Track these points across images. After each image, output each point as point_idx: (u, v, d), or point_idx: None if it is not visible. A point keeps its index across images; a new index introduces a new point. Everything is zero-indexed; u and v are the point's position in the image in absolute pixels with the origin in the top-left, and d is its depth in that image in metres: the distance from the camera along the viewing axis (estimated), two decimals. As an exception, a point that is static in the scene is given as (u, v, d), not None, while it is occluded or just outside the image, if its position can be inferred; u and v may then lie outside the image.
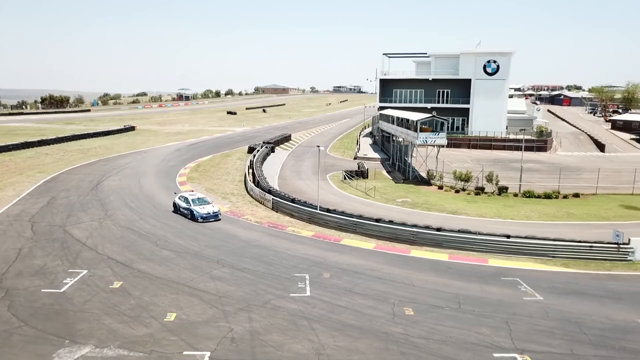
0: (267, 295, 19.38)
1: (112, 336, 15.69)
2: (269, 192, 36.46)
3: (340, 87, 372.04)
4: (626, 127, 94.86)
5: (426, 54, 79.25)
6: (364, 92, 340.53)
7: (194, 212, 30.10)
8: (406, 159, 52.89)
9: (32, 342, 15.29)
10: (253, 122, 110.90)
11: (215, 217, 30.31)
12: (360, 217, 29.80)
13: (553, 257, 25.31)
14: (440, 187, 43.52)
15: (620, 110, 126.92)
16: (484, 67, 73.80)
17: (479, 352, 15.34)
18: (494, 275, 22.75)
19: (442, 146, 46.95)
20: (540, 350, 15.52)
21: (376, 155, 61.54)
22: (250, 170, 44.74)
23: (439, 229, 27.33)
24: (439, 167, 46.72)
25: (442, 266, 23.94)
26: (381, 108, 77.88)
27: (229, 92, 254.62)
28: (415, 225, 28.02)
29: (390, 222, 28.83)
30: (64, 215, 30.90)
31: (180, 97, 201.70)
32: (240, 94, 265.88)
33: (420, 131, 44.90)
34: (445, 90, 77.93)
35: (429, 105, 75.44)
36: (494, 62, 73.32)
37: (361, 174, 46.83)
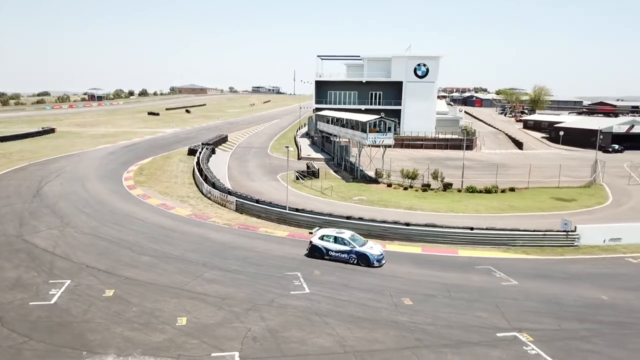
0: (268, 294, 19.66)
1: (131, 344, 15.33)
2: (230, 193, 36.26)
3: (259, 87, 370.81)
4: (536, 126, 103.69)
5: (359, 56, 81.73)
6: (283, 93, 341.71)
7: (368, 255, 23.44)
8: (347, 158, 54.52)
9: (47, 357, 14.59)
10: (181, 123, 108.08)
11: (383, 257, 24.09)
12: (330, 215, 30.64)
13: (513, 245, 27.71)
14: (389, 185, 45.43)
15: (526, 111, 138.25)
16: (415, 70, 77.51)
17: (484, 333, 16.78)
18: (468, 265, 24.57)
19: (390, 146, 49.02)
20: (534, 328, 17.25)
21: (319, 156, 62.67)
22: (203, 173, 44.00)
23: (407, 224, 28.85)
24: (383, 166, 48.61)
25: (419, 259, 25.43)
26: (317, 109, 79.22)
27: (144, 93, 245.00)
28: (384, 221, 29.36)
29: (360, 218, 29.95)
30: (15, 224, 28.94)
31: (92, 97, 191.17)
32: (155, 94, 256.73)
33: (368, 132, 46.57)
34: (378, 92, 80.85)
35: (363, 107, 77.97)
36: (424, 65, 77.26)
37: (312, 173, 47.68)
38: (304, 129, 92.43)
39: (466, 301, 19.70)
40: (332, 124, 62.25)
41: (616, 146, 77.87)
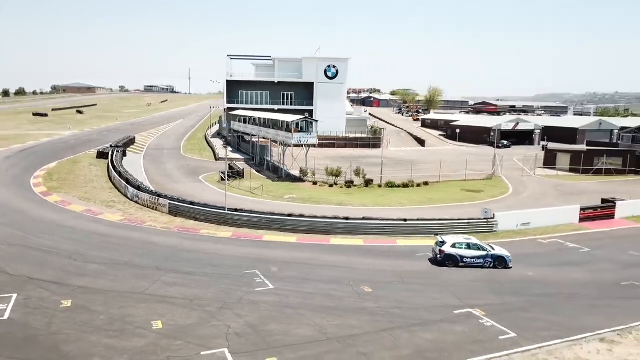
0: (236, 292, 19.98)
1: (114, 351, 14.99)
2: (161, 196, 35.39)
3: (152, 86, 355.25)
4: (434, 125, 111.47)
5: (270, 57, 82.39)
6: (178, 92, 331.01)
7: (505, 257, 24.40)
8: (268, 159, 55.16)
9: (26, 372, 13.84)
10: (76, 124, 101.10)
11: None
12: (272, 214, 31.23)
13: (441, 233, 30.22)
14: (315, 183, 46.84)
15: (420, 111, 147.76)
16: (325, 71, 79.87)
17: (443, 312, 18.62)
18: (410, 253, 26.62)
19: (314, 145, 50.41)
20: (483, 304, 19.45)
21: (237, 156, 62.50)
22: (123, 176, 42.19)
23: (347, 218, 30.37)
24: (306, 165, 49.90)
25: (364, 250, 27.01)
26: (230, 109, 78.63)
27: (21, 92, 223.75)
28: (325, 217, 30.61)
29: (302, 215, 30.91)
30: None
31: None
32: (35, 93, 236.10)
33: (293, 132, 47.60)
34: (290, 93, 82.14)
35: (276, 107, 78.75)
36: (334, 67, 79.89)
37: (237, 174, 47.68)
38: (214, 129, 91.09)
39: (419, 285, 21.54)
40: (250, 123, 62.38)
41: (505, 142, 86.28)
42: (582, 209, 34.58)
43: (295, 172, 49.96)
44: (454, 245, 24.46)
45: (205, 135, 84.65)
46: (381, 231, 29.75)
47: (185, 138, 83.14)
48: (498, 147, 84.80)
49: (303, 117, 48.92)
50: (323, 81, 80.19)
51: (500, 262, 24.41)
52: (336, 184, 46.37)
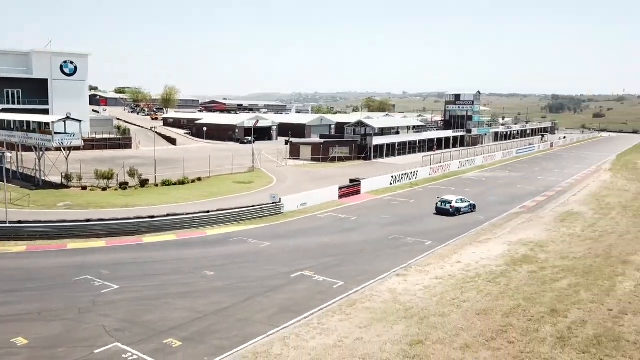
0: (83, 298, 19.64)
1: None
2: None
3: None
4: (177, 124, 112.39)
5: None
6: None
7: (475, 205, 38.77)
8: (3, 166, 48.67)
9: None
10: None
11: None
12: (65, 221, 29.46)
13: (241, 220, 33.76)
14: (84, 188, 44.11)
15: (155, 110, 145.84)
16: (62, 67, 72.93)
17: (280, 277, 22.37)
18: (224, 239, 29.37)
19: (79, 147, 46.90)
20: (309, 266, 23.91)
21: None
22: None
23: (152, 217, 31.03)
24: (67, 168, 46.03)
25: (182, 243, 28.54)
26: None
27: None
28: (128, 218, 30.57)
29: (101, 220, 30.11)
30: None
31: None
32: None
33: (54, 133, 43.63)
34: (17, 90, 72.18)
35: None
36: (72, 62, 73.60)
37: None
38: None
39: (250, 262, 24.73)
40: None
41: (249, 138, 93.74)
42: (340, 188, 42.72)
43: (56, 178, 45.82)
44: (456, 202, 37.20)
45: None
46: (189, 224, 31.42)
47: None
48: (243, 143, 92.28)
49: (65, 117, 45.08)
50: (60, 78, 73.05)
51: (474, 207, 38.05)
52: (109, 187, 44.70)
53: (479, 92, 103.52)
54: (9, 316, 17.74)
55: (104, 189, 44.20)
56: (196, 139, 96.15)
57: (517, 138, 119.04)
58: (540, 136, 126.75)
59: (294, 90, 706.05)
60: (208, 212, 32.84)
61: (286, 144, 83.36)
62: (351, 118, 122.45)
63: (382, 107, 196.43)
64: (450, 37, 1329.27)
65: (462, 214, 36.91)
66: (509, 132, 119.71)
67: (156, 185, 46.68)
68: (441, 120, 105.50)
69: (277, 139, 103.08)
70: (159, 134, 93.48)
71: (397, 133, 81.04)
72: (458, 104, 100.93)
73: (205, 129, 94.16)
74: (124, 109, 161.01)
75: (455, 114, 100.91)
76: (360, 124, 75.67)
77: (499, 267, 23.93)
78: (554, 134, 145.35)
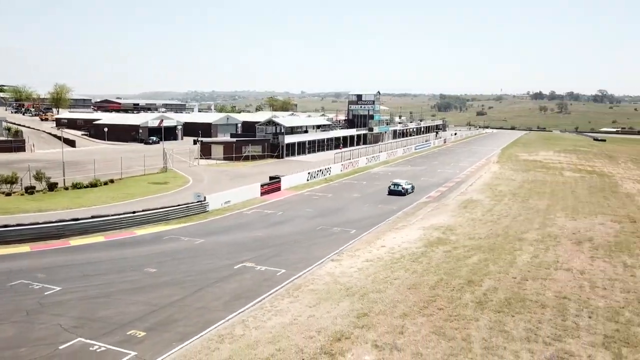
0: (26, 301, 19.35)
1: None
2: None
3: None
4: (72, 124, 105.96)
5: None
6: None
7: (414, 186, 47.50)
8: None
9: None
10: None
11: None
12: (-20, 227, 27.83)
13: (168, 219, 33.89)
14: (-16, 194, 41.12)
15: (43, 110, 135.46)
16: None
17: (226, 269, 23.43)
18: (157, 238, 29.53)
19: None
20: (247, 258, 25.13)
21: None
22: None
23: (76, 219, 30.26)
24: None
25: (113, 243, 28.27)
26: None
27: None
28: (50, 222, 29.53)
29: (19, 224, 28.79)
30: None
31: None
32: None
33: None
34: None
35: None
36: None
37: None
38: None
39: (190, 258, 25.42)
40: None
41: (154, 138, 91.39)
42: (262, 185, 44.01)
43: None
44: (405, 184, 45.56)
45: None
46: (116, 225, 31.01)
47: None
48: (148, 143, 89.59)
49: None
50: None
51: (414, 188, 46.62)
52: (14, 192, 42.04)
53: (378, 92, 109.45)
54: (-50, 324, 17.10)
55: (8, 194, 41.49)
56: (96, 140, 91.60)
57: (414, 135, 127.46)
58: (435, 133, 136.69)
59: (189, 89, 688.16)
60: (134, 212, 32.58)
61: (195, 143, 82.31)
62: (256, 117, 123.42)
63: (285, 106, 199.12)
64: (344, 38, 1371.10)
65: (409, 193, 45.35)
66: (405, 130, 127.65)
67: (66, 188, 44.63)
68: (345, 119, 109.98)
69: (182, 138, 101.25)
70: (55, 136, 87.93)
71: (306, 132, 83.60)
72: (360, 104, 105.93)
73: (106, 129, 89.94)
74: (5, 109, 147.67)
75: (358, 113, 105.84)
76: (271, 122, 77.11)
77: (418, 249, 26.91)
78: (445, 130, 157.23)
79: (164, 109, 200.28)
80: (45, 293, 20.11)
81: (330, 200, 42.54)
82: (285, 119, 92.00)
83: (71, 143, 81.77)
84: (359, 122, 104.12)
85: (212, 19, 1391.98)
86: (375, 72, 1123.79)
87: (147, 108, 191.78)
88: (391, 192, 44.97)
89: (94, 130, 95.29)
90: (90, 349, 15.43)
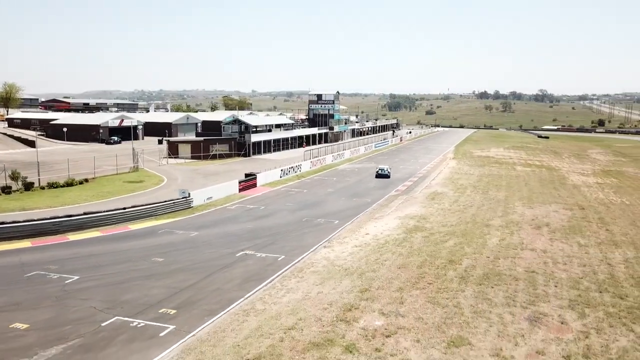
0: (47, 289, 20.57)
1: (16, 351, 15.14)
2: None
3: None
4: (25, 124, 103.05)
5: None
6: None
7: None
8: None
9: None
10: None
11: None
12: (-24, 225, 28.36)
13: (156, 215, 35.13)
14: (-41, 194, 40.78)
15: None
16: None
17: (228, 257, 25.27)
18: (152, 232, 30.83)
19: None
20: (247, 247, 27.03)
21: None
22: None
23: (69, 216, 31.11)
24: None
25: (111, 237, 29.36)
26: None
27: None
28: (45, 219, 30.29)
29: (15, 222, 29.45)
30: None
31: None
32: None
33: None
34: None
35: None
36: None
37: None
38: None
39: (191, 249, 27.02)
40: None
41: (116, 138, 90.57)
42: (240, 182, 45.67)
43: None
44: (388, 169, 57.35)
45: None
46: (109, 221, 32.03)
47: None
48: (109, 143, 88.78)
49: None
50: None
51: (390, 173, 57.07)
52: (-10, 192, 41.83)
53: (338, 92, 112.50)
54: (-15, 310, 18.21)
55: (-16, 194, 41.28)
56: (55, 140, 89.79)
57: (370, 134, 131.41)
58: (392, 131, 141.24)
59: (135, 88, 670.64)
60: (124, 208, 33.67)
61: (160, 142, 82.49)
62: (215, 116, 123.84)
63: (241, 105, 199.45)
64: (294, 38, 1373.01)
65: (390, 177, 55.99)
66: (363, 129, 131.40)
67: (42, 188, 44.72)
68: (306, 118, 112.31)
69: (143, 138, 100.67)
70: (12, 136, 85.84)
71: (270, 131, 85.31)
72: (320, 103, 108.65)
73: (65, 129, 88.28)
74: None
75: (319, 112, 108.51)
76: (237, 121, 78.34)
77: (400, 235, 29.65)
78: (400, 129, 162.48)
79: (115, 109, 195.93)
80: (66, 282, 21.35)
81: (307, 195, 44.77)
82: (250, 117, 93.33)
83: (30, 143, 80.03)
84: (320, 121, 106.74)
85: (156, 14, 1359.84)
86: (327, 72, 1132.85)
87: (98, 108, 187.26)
88: (378, 176, 56.50)
89: (52, 131, 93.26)
90: (131, 324, 17.08)
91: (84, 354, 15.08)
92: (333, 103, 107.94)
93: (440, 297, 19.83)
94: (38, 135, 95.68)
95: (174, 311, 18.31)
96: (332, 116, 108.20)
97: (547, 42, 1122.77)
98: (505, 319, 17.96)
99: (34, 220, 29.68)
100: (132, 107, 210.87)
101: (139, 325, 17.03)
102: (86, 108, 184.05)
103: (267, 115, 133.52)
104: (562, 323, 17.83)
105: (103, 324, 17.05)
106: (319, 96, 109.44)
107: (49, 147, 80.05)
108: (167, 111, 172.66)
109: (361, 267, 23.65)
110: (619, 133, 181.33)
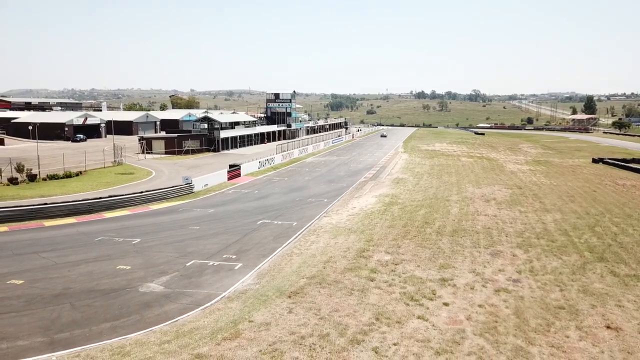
0: (122, 247, 25.81)
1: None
2: None
3: None
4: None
5: None
6: None
7: None
8: None
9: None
10: None
11: None
12: (21, 206, 32.65)
13: (169, 198, 40.25)
14: (-31, 185, 43.82)
15: None
16: None
17: (251, 225, 31.25)
18: (174, 210, 36.08)
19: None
20: (261, 218, 33.04)
21: None
22: None
23: (98, 198, 35.88)
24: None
25: (144, 214, 34.41)
26: None
27: None
28: (77, 200, 34.92)
29: (54, 203, 33.93)
30: None
31: None
32: None
33: None
34: None
35: None
36: None
37: None
38: None
39: (215, 220, 32.67)
40: None
41: (81, 135, 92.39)
42: (228, 172, 51.19)
43: None
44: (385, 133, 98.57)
45: None
46: (134, 202, 36.96)
47: None
48: (75, 141, 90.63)
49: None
50: None
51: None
52: (1, 183, 45.13)
53: (294, 91, 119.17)
54: (92, 261, 23.36)
55: (-7, 185, 44.51)
56: (19, 138, 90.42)
57: (322, 132, 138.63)
58: (345, 129, 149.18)
59: (64, 87, 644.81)
60: (142, 192, 38.66)
61: (140, 140, 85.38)
62: (172, 115, 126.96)
63: (189, 104, 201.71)
64: (233, 36, 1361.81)
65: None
66: (316, 127, 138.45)
67: (44, 179, 48.27)
68: (264, 116, 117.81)
69: (106, 136, 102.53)
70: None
71: (234, 127, 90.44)
72: (278, 102, 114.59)
73: (30, 127, 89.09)
74: None
75: (276, 111, 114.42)
76: (206, 119, 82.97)
77: (381, 208, 36.65)
78: (349, 127, 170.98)
79: (59, 108, 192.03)
80: (133, 242, 26.64)
81: (290, 182, 51.01)
82: (219, 116, 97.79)
83: (0, 142, 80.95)
84: (278, 119, 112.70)
85: (89, 11, 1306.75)
86: (266, 72, 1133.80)
87: (41, 107, 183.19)
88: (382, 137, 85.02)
89: (14, 129, 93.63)
90: (208, 264, 22.92)
91: (189, 279, 20.87)
92: (290, 102, 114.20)
93: (426, 243, 26.90)
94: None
95: (234, 256, 24.26)
96: (289, 114, 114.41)
97: (478, 44, 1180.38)
98: (474, 254, 25.24)
99: (70, 202, 34.26)
100: (77, 106, 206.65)
101: (215, 264, 22.89)
102: (27, 107, 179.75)
103: (221, 113, 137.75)
104: (513, 255, 25.32)
105: (187, 264, 22.77)
106: (277, 95, 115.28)
107: (17, 145, 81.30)
108: (120, 110, 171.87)
109: (360, 227, 30.40)
110: (546, 130, 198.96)
